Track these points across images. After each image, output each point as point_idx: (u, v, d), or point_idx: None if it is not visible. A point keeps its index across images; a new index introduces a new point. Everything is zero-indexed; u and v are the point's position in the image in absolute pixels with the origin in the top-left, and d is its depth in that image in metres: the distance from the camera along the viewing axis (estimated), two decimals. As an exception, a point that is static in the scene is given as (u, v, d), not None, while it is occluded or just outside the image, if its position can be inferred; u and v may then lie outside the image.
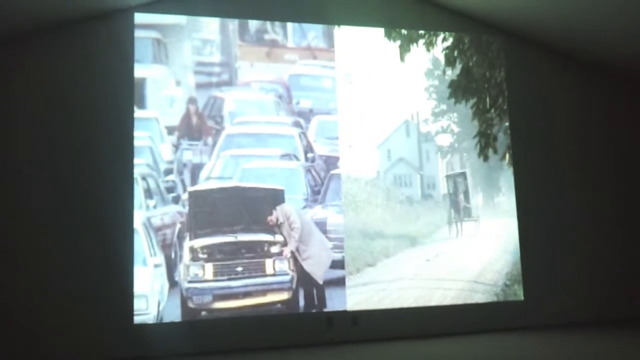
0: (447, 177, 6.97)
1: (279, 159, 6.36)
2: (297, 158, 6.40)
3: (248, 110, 6.42)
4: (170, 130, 6.08)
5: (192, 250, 5.84)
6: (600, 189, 7.31)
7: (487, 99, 7.14)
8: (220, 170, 6.14)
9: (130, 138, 5.88)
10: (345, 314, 6.15)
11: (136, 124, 5.93)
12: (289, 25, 6.64)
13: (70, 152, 5.75)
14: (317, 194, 6.37)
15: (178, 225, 5.89)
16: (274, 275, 5.99)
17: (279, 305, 5.98)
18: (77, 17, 5.83)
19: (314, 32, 6.70)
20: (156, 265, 5.73)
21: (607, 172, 7.38)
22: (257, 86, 6.50)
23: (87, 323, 5.48)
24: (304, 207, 6.27)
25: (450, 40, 7.11)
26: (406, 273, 6.51)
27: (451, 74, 7.07)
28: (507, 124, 7.11)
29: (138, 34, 6.09)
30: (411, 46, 6.98)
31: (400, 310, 6.30)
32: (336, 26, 6.74)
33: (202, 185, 6.04)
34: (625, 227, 7.31)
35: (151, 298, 5.65)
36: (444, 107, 7.06)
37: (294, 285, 6.03)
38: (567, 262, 6.96)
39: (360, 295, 6.26)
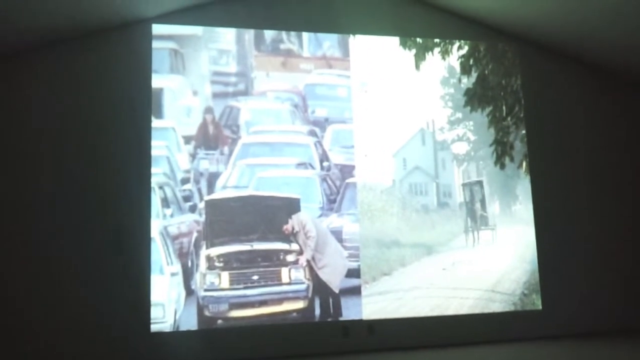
0: (464, 185, 6.93)
1: (294, 168, 6.38)
2: (312, 167, 6.41)
3: (264, 119, 6.46)
4: (187, 139, 6.14)
5: (209, 258, 5.87)
6: (618, 197, 7.21)
7: (504, 107, 7.10)
8: (237, 179, 6.18)
9: (147, 147, 5.94)
10: (361, 323, 6.13)
11: (153, 133, 5.99)
12: (305, 35, 6.68)
13: (89, 161, 5.82)
14: (332, 202, 6.37)
15: (195, 234, 5.93)
16: (289, 284, 5.99)
17: (294, 314, 5.98)
18: (95, 28, 5.93)
19: (329, 42, 6.74)
20: (173, 274, 5.76)
21: (625, 180, 7.29)
22: (273, 95, 6.54)
23: (104, 331, 5.53)
24: (320, 216, 6.27)
25: (466, 48, 7.10)
26: (422, 282, 6.47)
27: (467, 82, 7.05)
28: (523, 132, 7.07)
29: (155, 44, 6.17)
30: (426, 55, 6.98)
31: (416, 319, 6.27)
32: (351, 35, 6.76)
33: (218, 194, 6.08)
34: (645, 235, 7.22)
35: (168, 306, 5.69)
36: (459, 115, 7.04)
37: (309, 294, 6.03)
38: (586, 271, 6.86)
39: (376, 304, 6.24)
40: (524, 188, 6.98)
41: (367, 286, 6.26)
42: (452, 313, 6.39)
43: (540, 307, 6.63)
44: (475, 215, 6.87)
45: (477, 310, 6.47)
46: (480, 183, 6.97)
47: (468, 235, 6.77)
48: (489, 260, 6.72)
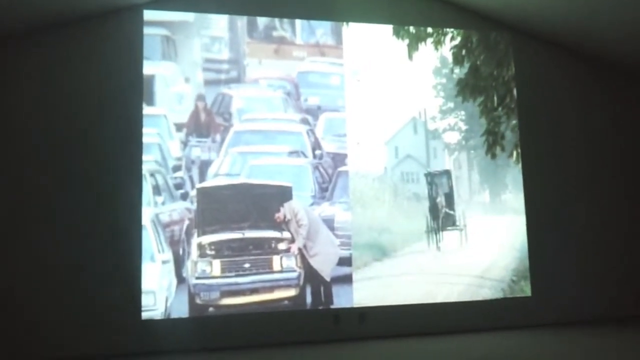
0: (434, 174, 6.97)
1: (287, 156, 6.37)
2: (305, 155, 6.41)
3: (256, 107, 6.43)
4: (179, 127, 6.10)
5: (200, 246, 5.87)
6: (608, 185, 7.29)
7: (495, 97, 7.13)
8: (229, 167, 6.16)
9: (139, 135, 5.90)
10: (352, 311, 6.16)
11: (145, 120, 5.96)
12: (298, 22, 6.65)
13: (79, 148, 5.78)
14: (324, 190, 6.38)
15: (186, 222, 5.91)
16: (281, 271, 6.01)
17: (286, 302, 6.00)
18: (86, 13, 5.86)
19: (322, 29, 6.71)
20: (164, 262, 5.75)
21: (616, 169, 7.36)
22: (266, 83, 6.51)
23: (95, 318, 5.52)
24: (312, 204, 6.28)
25: (459, 39, 7.10)
26: (413, 269, 6.52)
27: (459, 72, 7.06)
28: (514, 121, 7.10)
29: (147, 31, 6.11)
30: (419, 45, 6.97)
31: (407, 306, 6.31)
32: (345, 23, 6.74)
33: (210, 182, 6.06)
34: (633, 224, 7.29)
35: (159, 294, 5.68)
36: (451, 104, 7.06)
37: (301, 282, 6.05)
38: (575, 258, 6.94)
39: (366, 290, 6.27)
40: (514, 177, 7.03)
41: (359, 271, 6.28)
42: (442, 300, 6.45)
43: (529, 294, 6.70)
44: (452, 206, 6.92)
45: (466, 297, 6.53)
46: (448, 173, 6.97)
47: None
48: (478, 247, 6.77)
